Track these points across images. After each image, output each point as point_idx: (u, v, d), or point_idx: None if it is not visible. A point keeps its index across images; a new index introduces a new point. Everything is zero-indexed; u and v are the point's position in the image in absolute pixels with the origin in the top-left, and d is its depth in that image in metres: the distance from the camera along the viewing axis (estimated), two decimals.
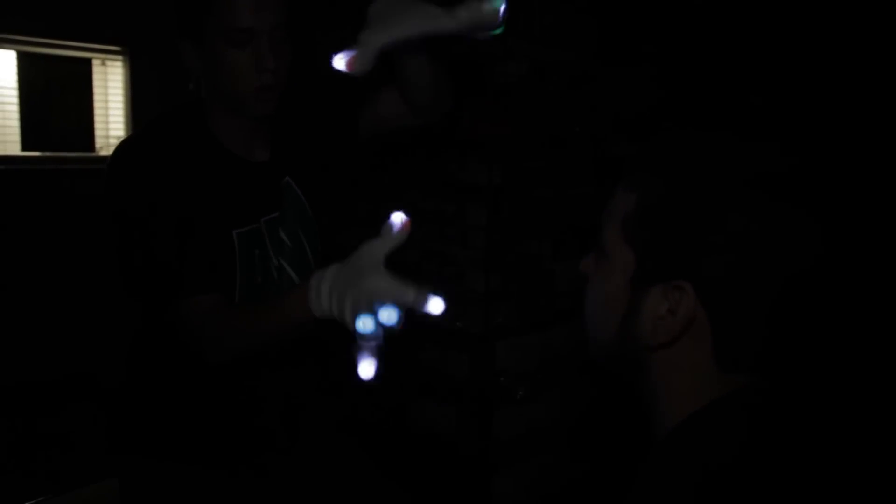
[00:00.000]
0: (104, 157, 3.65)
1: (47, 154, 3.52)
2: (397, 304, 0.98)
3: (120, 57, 3.63)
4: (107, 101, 3.67)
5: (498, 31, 1.09)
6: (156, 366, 1.47)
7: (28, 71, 3.45)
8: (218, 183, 1.35)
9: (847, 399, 1.77)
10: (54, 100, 3.60)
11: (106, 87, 3.67)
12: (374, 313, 0.97)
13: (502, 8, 1.06)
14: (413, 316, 1.01)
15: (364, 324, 0.97)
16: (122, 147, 1.34)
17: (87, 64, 3.63)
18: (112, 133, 3.68)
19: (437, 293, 0.99)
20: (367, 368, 1.00)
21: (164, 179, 1.29)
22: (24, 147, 3.45)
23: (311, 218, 1.49)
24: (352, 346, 1.01)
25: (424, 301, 0.98)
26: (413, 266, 2.86)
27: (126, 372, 1.51)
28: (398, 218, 1.02)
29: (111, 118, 3.68)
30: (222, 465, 1.45)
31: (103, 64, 3.66)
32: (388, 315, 0.97)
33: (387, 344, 1.00)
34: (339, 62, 1.05)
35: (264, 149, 1.45)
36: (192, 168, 1.33)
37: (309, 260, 1.49)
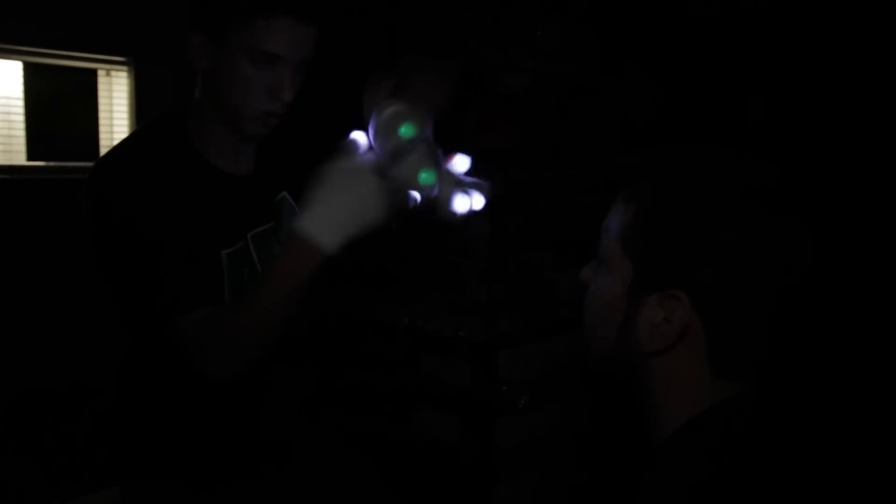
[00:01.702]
0: None
1: (52, 164, 3.53)
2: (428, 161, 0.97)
3: (125, 68, 3.65)
4: (111, 112, 3.69)
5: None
6: (147, 383, 1.42)
7: (34, 81, 3.47)
8: (202, 199, 1.28)
9: (840, 404, 1.78)
10: (60, 110, 3.61)
11: (111, 98, 3.69)
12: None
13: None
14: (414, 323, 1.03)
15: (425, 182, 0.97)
16: (100, 166, 1.27)
17: (93, 74, 3.65)
18: (117, 143, 3.70)
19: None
20: (477, 200, 1.05)
21: (145, 195, 1.21)
22: (30, 157, 3.46)
23: None
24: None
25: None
26: (415, 275, 2.88)
27: (116, 390, 1.47)
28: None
29: (116, 128, 3.69)
30: (221, 479, 1.43)
31: (108, 74, 3.68)
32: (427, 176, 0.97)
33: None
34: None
35: (248, 160, 1.37)
36: (173, 184, 1.25)
37: None
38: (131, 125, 3.67)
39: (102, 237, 1.24)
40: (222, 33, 1.19)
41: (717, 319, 0.72)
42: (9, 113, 3.39)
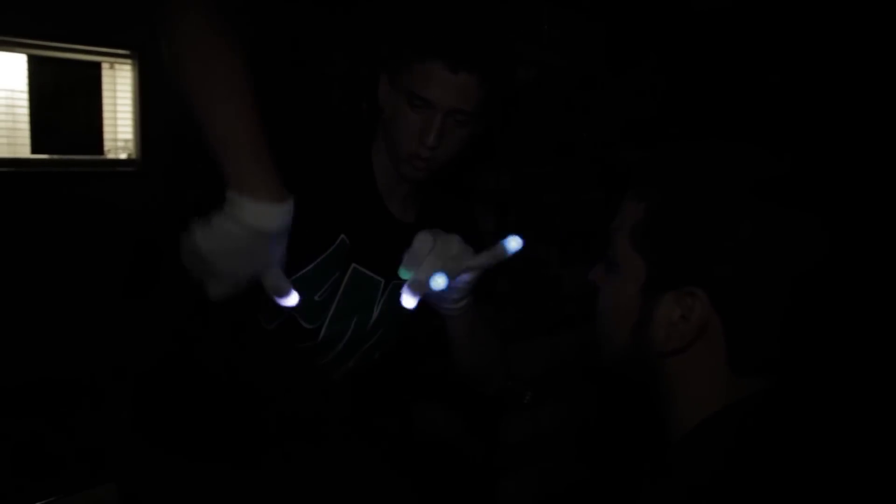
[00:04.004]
0: (113, 161, 3.67)
1: (56, 157, 3.53)
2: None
3: (129, 60, 3.64)
4: (115, 105, 3.68)
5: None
6: (184, 364, 1.44)
7: (38, 74, 3.46)
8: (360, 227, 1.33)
9: (859, 400, 1.77)
10: (63, 103, 3.61)
11: (115, 91, 3.68)
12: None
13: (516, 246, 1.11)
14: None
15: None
16: None
17: (97, 67, 3.64)
18: (120, 136, 3.69)
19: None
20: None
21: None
22: (34, 150, 3.46)
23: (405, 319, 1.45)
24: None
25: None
26: None
27: (151, 371, 1.48)
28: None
29: (120, 121, 3.69)
30: (238, 464, 1.43)
31: (112, 67, 3.67)
32: None
33: None
34: (408, 302, 1.07)
35: (410, 210, 1.41)
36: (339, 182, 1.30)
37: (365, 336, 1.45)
38: (135, 118, 3.66)
39: None
40: (395, 77, 1.27)
41: (737, 314, 0.71)
42: (13, 106, 3.38)
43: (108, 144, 3.70)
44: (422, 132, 1.24)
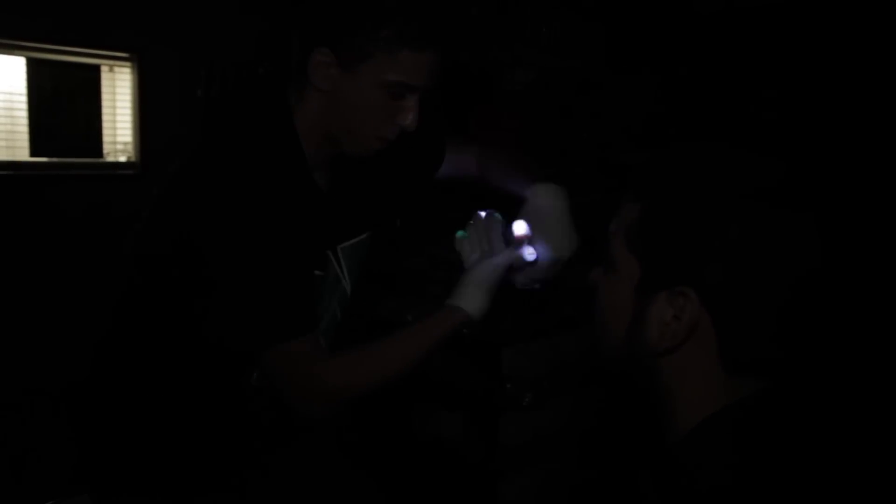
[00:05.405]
0: (112, 163, 3.67)
1: (55, 160, 3.54)
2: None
3: (128, 63, 3.65)
4: (114, 108, 3.69)
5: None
6: (133, 393, 1.35)
7: (37, 77, 3.47)
8: (307, 219, 1.25)
9: (853, 400, 1.77)
10: (63, 106, 3.61)
11: (114, 94, 3.69)
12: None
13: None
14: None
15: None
16: (221, 181, 1.17)
17: (96, 70, 3.65)
18: (119, 139, 3.69)
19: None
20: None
21: (269, 223, 1.16)
22: (33, 153, 3.46)
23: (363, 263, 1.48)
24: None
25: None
26: (420, 271, 2.87)
27: (92, 401, 1.41)
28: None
29: (119, 124, 3.69)
30: (202, 490, 1.36)
31: (111, 70, 3.68)
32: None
33: None
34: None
35: (326, 175, 1.36)
36: (290, 208, 1.20)
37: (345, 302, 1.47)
38: (134, 121, 3.66)
39: (196, 256, 1.17)
40: (356, 60, 1.18)
41: (726, 315, 0.72)
42: (12, 109, 3.39)
43: (107, 147, 3.70)
44: (400, 115, 1.23)
